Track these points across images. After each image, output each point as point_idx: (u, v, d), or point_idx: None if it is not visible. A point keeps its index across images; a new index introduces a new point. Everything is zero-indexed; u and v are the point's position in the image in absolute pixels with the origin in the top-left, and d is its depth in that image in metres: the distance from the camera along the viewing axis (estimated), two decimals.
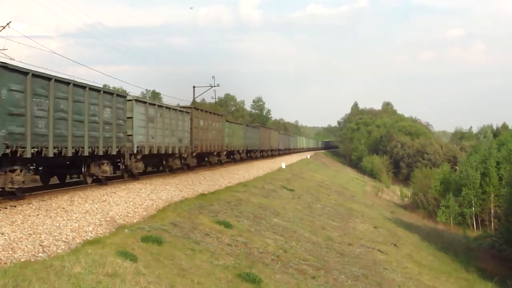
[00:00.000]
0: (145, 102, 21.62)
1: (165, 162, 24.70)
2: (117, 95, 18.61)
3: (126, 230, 11.29)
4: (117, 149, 18.06)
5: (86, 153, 15.84)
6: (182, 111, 26.14)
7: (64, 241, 9.81)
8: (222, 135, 34.83)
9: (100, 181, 17.80)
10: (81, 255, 8.54)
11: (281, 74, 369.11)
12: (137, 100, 20.54)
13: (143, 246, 10.39)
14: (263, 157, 54.55)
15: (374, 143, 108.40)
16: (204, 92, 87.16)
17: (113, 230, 11.39)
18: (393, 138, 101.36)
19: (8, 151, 12.13)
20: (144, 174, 22.48)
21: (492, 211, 46.58)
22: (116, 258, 8.96)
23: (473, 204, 47.37)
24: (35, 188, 15.87)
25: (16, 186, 12.84)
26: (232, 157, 40.06)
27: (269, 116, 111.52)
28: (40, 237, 9.75)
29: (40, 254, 8.79)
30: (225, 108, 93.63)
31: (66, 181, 18.59)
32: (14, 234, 9.64)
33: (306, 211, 24.14)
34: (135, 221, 12.82)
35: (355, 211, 32.05)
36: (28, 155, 12.87)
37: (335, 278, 13.92)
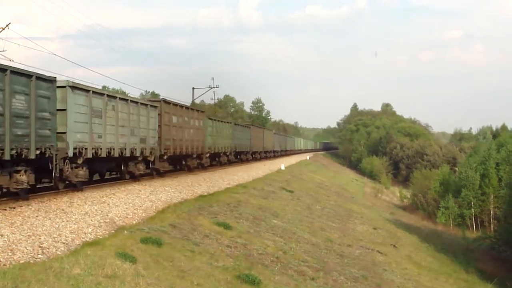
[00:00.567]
0: (87, 91, 16.48)
1: (125, 167, 20.12)
2: (39, 78, 13.58)
3: (125, 232, 11.29)
4: (37, 151, 13.35)
5: None
6: (146, 105, 21.30)
7: (64, 243, 9.80)
8: (204, 134, 30.56)
9: (16, 195, 13.50)
10: (81, 257, 8.54)
11: (281, 75, 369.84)
12: (73, 87, 15.61)
13: (143, 247, 10.39)
14: (255, 159, 50.66)
15: (373, 144, 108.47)
16: (203, 94, 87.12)
17: (113, 231, 11.38)
18: (393, 139, 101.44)
19: None
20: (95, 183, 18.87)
21: (491, 212, 46.57)
22: (115, 259, 8.96)
23: (472, 205, 47.38)
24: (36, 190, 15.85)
25: None
26: (218, 159, 35.78)
27: (269, 117, 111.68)
28: (40, 238, 9.75)
29: (39, 256, 8.78)
30: (225, 110, 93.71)
31: None
32: (13, 235, 9.64)
33: (306, 213, 24.14)
34: (134, 222, 12.82)
35: (355, 212, 32.06)
36: None
37: (335, 279, 13.92)
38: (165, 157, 23.63)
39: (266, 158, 57.81)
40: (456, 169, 61.09)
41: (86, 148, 16.22)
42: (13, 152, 12.42)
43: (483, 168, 48.39)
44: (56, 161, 14.41)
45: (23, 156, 12.88)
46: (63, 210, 12.60)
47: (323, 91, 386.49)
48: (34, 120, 13.28)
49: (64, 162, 15.05)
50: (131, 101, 19.99)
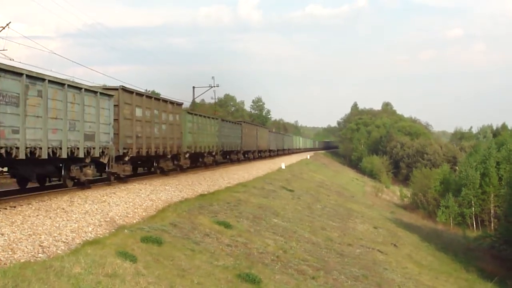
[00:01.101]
0: None
1: (66, 172, 15.83)
2: None
3: (125, 231, 11.29)
4: None
5: None
6: (95, 92, 16.69)
7: (64, 242, 9.80)
8: (181, 131, 26.38)
9: None
10: (81, 256, 8.53)
11: (281, 74, 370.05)
12: None
13: (143, 246, 10.39)
14: (248, 159, 46.74)
15: (373, 143, 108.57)
16: (203, 93, 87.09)
17: (113, 230, 11.39)
18: (393, 139, 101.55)
19: None
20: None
21: (491, 211, 46.63)
22: (115, 258, 8.96)
23: (472, 204, 47.43)
24: (35, 189, 15.86)
25: None
26: (202, 160, 31.68)
27: (269, 116, 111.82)
28: (40, 237, 9.75)
29: (39, 255, 8.78)
30: (225, 109, 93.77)
31: None
32: (14, 234, 9.64)
33: (306, 212, 24.14)
34: (134, 221, 12.82)
35: (355, 211, 32.07)
36: None
37: (335, 278, 13.93)
38: (126, 158, 19.35)
39: (261, 158, 53.76)
40: (457, 168, 61.16)
41: None
42: None
43: (483, 167, 48.43)
44: None
45: None
46: (63, 209, 12.60)
47: (324, 90, 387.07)
48: None
49: None
50: (69, 86, 15.04)
